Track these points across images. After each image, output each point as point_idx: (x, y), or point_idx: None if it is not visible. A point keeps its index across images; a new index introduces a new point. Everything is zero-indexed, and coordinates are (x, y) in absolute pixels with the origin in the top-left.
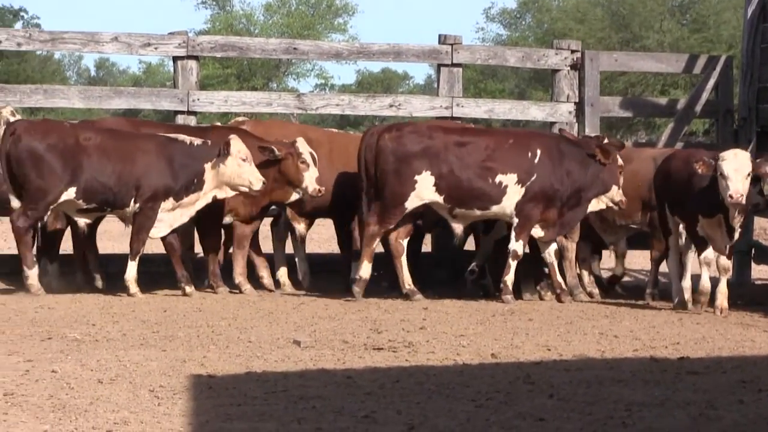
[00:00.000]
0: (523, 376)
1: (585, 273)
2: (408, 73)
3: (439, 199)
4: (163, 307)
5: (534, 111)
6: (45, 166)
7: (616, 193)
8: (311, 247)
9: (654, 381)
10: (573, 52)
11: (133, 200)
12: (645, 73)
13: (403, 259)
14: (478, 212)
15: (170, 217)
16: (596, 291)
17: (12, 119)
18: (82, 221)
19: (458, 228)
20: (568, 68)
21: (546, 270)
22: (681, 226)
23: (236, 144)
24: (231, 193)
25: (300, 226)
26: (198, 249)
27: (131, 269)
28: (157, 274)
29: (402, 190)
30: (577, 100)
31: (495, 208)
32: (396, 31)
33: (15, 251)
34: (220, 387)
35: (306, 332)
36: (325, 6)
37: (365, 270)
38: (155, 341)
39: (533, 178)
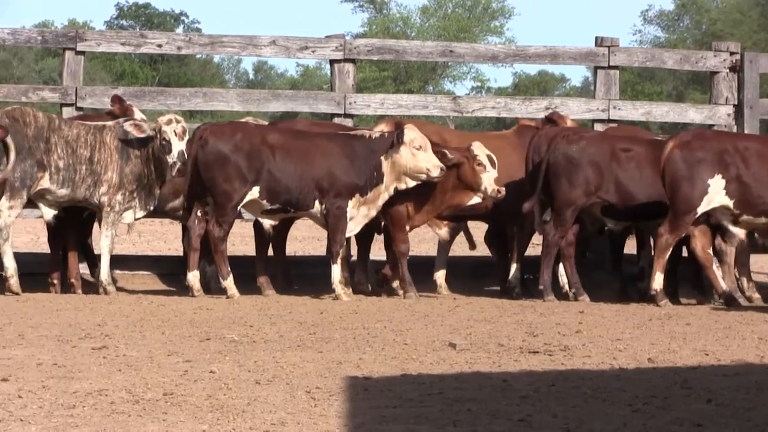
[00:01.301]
0: (681, 381)
1: (744, 278)
2: (565, 75)
3: (729, 203)
4: (319, 309)
5: (692, 114)
6: (231, 168)
7: None
8: (467, 250)
9: None
10: (732, 54)
11: (317, 201)
12: None
13: (715, 268)
14: (764, 220)
15: (359, 214)
16: (756, 296)
17: (165, 128)
18: (268, 223)
19: (741, 233)
20: (727, 70)
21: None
22: None
23: (410, 133)
24: (411, 184)
25: (441, 231)
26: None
27: (335, 272)
28: (313, 276)
29: (693, 195)
30: (736, 103)
31: None
32: (552, 33)
33: (174, 252)
34: (375, 389)
35: (461, 335)
36: (481, 9)
37: (658, 281)
38: (312, 343)
39: None
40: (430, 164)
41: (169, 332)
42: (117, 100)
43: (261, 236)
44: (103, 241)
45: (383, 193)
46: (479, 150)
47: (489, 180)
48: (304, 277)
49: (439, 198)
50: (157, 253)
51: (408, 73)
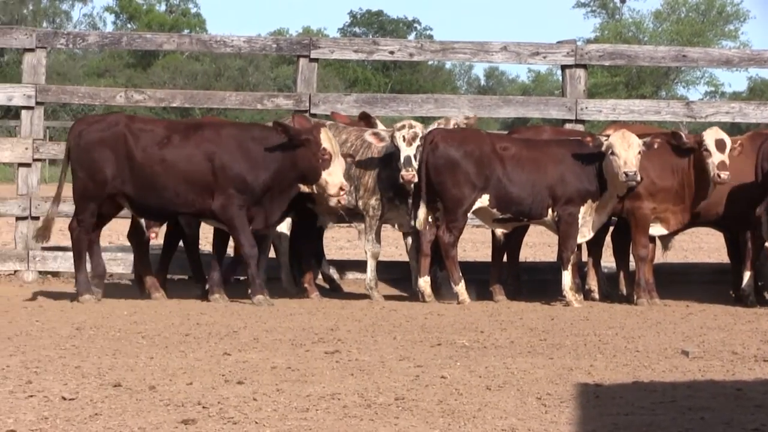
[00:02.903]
0: None
1: None
2: None
3: None
4: (550, 315)
5: None
6: (460, 173)
7: None
8: (701, 256)
9: None
10: None
11: (550, 209)
12: None
13: None
14: None
15: (592, 219)
16: None
17: (396, 134)
18: (499, 231)
19: None
20: None
21: None
22: None
23: (611, 138)
24: (625, 189)
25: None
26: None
27: (566, 278)
28: (544, 282)
29: None
30: None
31: None
32: None
33: (405, 258)
34: (606, 396)
35: (694, 342)
36: (715, 12)
37: None
38: (542, 349)
39: None
40: (620, 169)
41: (401, 337)
42: (364, 116)
43: (497, 242)
44: (365, 246)
45: (611, 199)
46: (708, 136)
47: (713, 165)
48: (536, 283)
49: (688, 193)
50: (389, 258)
51: (640, 78)
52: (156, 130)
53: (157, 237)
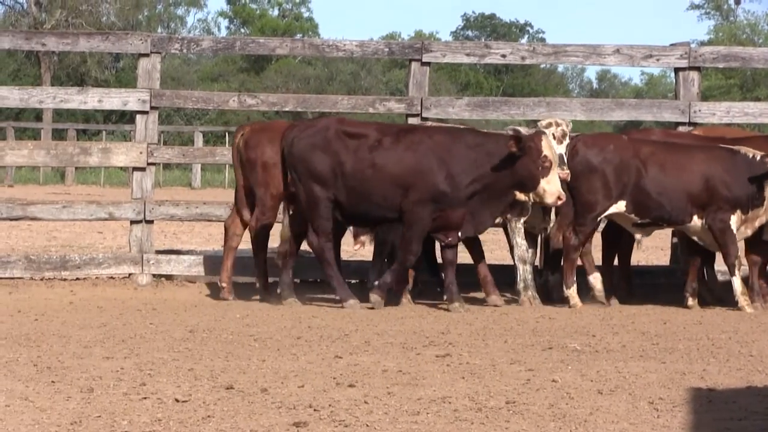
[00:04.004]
0: None
1: None
2: None
3: None
4: (663, 319)
5: None
6: (597, 180)
7: None
8: None
9: None
10: None
11: (695, 215)
12: None
13: None
14: None
15: (737, 231)
16: None
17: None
18: (638, 235)
19: None
20: None
21: None
22: None
23: None
24: None
25: None
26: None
27: (736, 284)
28: (656, 286)
29: None
30: None
31: None
32: None
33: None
34: (719, 401)
35: None
36: None
37: None
38: (655, 353)
39: None
40: None
41: (512, 341)
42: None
43: (608, 246)
44: (516, 251)
45: (762, 216)
46: None
47: None
48: (647, 287)
49: None
50: (500, 262)
51: (755, 80)
52: (366, 133)
53: (364, 247)
